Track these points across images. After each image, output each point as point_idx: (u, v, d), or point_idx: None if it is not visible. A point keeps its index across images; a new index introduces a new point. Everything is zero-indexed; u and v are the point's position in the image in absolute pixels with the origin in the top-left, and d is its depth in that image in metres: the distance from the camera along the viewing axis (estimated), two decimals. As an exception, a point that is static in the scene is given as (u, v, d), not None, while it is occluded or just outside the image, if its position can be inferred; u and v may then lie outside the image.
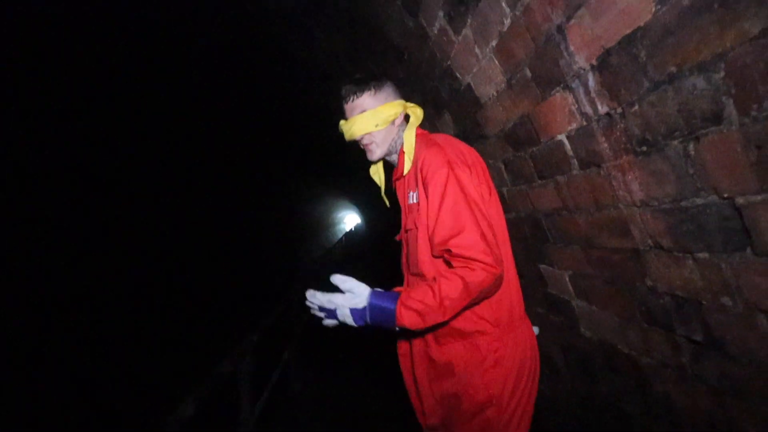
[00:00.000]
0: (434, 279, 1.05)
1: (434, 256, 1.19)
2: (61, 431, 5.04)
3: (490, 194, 1.22)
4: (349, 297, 1.08)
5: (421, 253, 1.23)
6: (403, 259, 1.41)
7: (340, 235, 21.10)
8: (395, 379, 1.49)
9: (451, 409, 1.23)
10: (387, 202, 1.54)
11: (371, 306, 1.05)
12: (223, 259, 9.95)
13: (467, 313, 1.15)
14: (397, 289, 1.15)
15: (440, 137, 1.29)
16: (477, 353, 1.17)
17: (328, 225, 21.28)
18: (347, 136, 1.36)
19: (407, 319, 1.02)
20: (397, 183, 1.44)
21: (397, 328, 1.05)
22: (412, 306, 1.02)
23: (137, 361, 6.46)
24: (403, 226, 1.39)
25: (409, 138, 1.29)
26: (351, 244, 18.26)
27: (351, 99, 1.31)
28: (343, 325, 1.11)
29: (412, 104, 1.36)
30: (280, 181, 11.91)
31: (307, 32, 3.20)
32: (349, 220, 26.06)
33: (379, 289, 1.11)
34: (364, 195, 11.51)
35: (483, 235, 1.04)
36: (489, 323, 1.17)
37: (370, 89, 1.31)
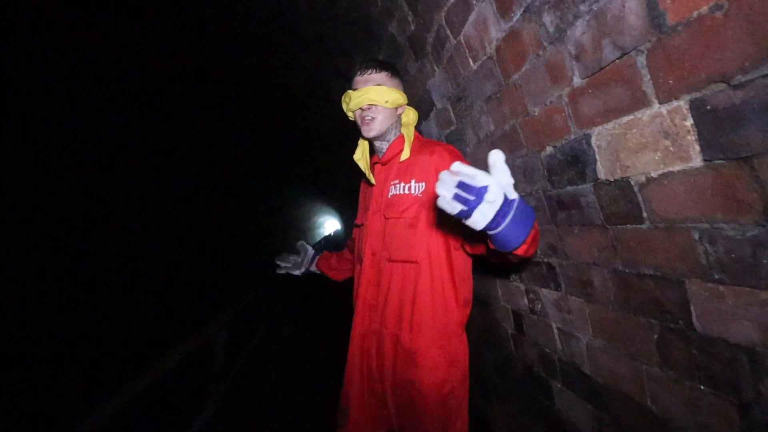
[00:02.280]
0: None
1: (433, 244, 1.26)
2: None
3: None
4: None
5: (415, 241, 1.27)
6: (375, 244, 1.38)
7: (318, 239, 21.62)
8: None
9: (411, 398, 1.26)
10: (372, 181, 1.47)
11: (520, 202, 0.84)
12: (203, 251, 10.22)
13: (457, 305, 1.29)
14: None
15: (439, 142, 1.42)
16: (445, 349, 1.26)
17: (308, 228, 21.62)
18: (354, 104, 1.35)
19: (532, 236, 0.92)
20: (380, 168, 1.46)
21: (510, 249, 0.88)
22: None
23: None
24: (376, 211, 1.40)
25: (409, 132, 1.39)
26: (329, 246, 18.69)
27: (369, 72, 1.35)
28: (466, 218, 0.79)
29: (411, 107, 1.47)
30: (263, 181, 12.12)
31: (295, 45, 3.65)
32: (329, 225, 26.47)
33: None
34: (345, 202, 11.92)
35: None
36: (461, 325, 1.32)
37: (389, 71, 1.38)
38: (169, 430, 2.54)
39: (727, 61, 0.60)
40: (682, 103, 0.69)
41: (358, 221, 1.55)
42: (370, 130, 1.36)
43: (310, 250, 1.89)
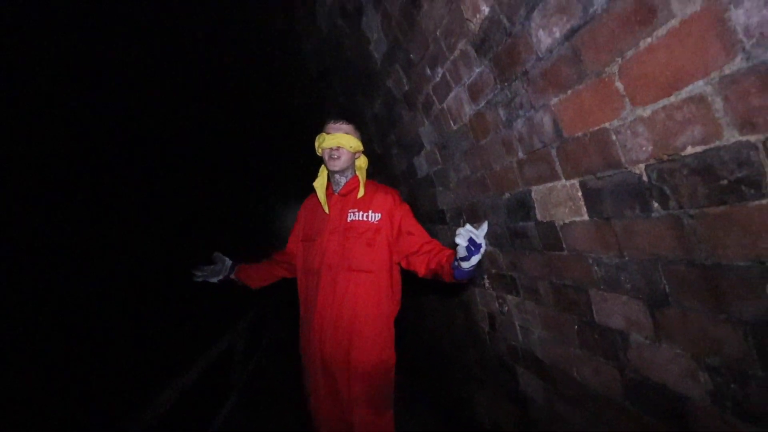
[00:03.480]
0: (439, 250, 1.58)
1: (405, 257, 1.72)
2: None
3: None
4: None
5: (374, 256, 1.70)
6: (333, 258, 1.74)
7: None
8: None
9: (360, 363, 1.66)
10: (326, 209, 1.81)
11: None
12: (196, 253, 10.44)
13: (393, 304, 1.76)
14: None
15: (386, 186, 1.88)
16: (383, 334, 1.70)
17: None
18: (326, 144, 1.73)
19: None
20: (338, 199, 1.83)
21: (470, 267, 1.29)
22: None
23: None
24: (333, 231, 1.77)
25: (362, 175, 1.83)
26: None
27: (341, 122, 1.78)
28: (466, 259, 1.23)
29: (363, 155, 1.90)
30: (260, 183, 12.34)
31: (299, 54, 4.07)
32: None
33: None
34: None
35: None
36: (392, 318, 1.77)
37: (354, 124, 1.83)
38: (202, 416, 2.90)
39: (592, 164, 1.04)
40: (576, 182, 1.13)
41: (307, 237, 1.89)
42: (335, 165, 1.76)
43: (228, 261, 2.00)
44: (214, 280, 1.98)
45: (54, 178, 6.58)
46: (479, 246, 1.20)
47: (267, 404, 3.36)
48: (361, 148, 1.83)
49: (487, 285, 2.03)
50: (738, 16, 0.62)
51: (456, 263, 1.33)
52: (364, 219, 1.74)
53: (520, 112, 1.27)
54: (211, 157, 9.11)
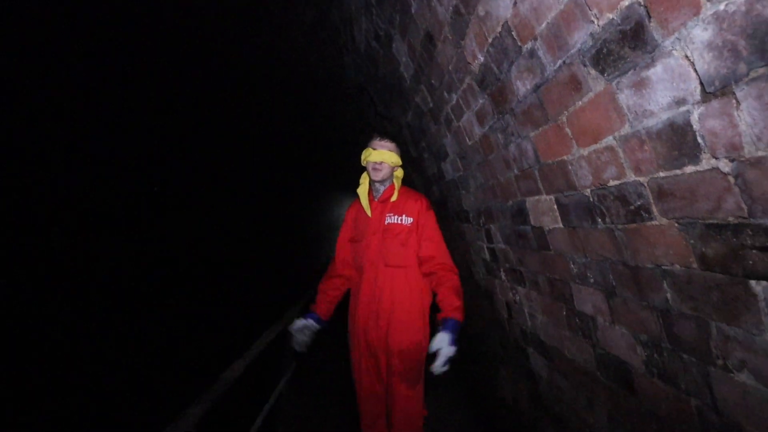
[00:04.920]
0: (441, 299, 1.97)
1: (419, 257, 2.09)
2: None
3: None
4: (446, 348, 1.78)
5: (407, 254, 2.09)
6: (374, 255, 2.11)
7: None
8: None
9: (397, 344, 2.06)
10: (369, 213, 2.18)
11: (454, 337, 1.83)
12: (245, 255, 11.20)
13: (426, 294, 2.15)
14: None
15: (418, 192, 2.23)
16: (421, 321, 2.11)
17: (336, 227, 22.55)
18: (372, 158, 2.07)
19: (462, 318, 1.92)
20: (377, 204, 2.18)
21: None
22: (462, 312, 1.93)
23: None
24: (374, 233, 2.13)
25: (398, 183, 2.19)
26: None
27: (385, 141, 2.12)
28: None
29: (400, 168, 2.24)
30: (299, 182, 12.91)
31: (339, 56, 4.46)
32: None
33: (445, 333, 1.82)
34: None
35: (450, 257, 2.13)
36: (429, 307, 2.17)
37: (396, 143, 2.17)
38: (255, 398, 3.38)
39: (560, 184, 1.33)
40: (552, 197, 1.42)
41: (354, 238, 2.26)
42: (377, 176, 2.10)
43: (310, 325, 2.22)
44: (308, 340, 2.23)
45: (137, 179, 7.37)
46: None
47: (313, 380, 3.86)
48: (400, 163, 2.16)
49: (503, 278, 2.32)
50: (622, 98, 0.90)
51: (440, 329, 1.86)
52: (399, 222, 2.10)
53: (512, 138, 1.55)
54: (271, 158, 9.75)
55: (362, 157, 2.15)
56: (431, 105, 2.42)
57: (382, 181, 2.15)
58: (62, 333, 5.77)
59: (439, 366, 1.76)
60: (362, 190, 2.24)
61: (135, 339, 6.63)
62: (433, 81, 2.16)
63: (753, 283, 0.74)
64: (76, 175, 6.08)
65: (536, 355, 2.05)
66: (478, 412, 3.18)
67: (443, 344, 1.78)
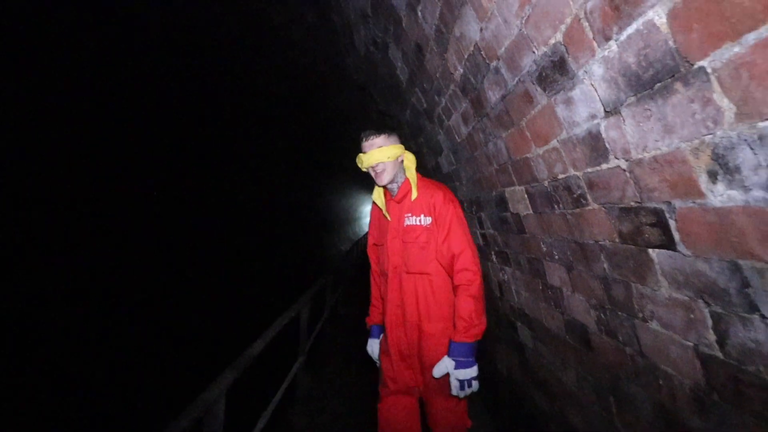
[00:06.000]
0: (455, 314, 1.72)
1: (438, 260, 1.81)
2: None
3: None
4: (455, 372, 1.66)
5: (428, 259, 1.81)
6: (396, 261, 1.89)
7: (366, 229, 22.69)
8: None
9: (429, 359, 1.82)
10: (388, 217, 1.95)
11: (467, 360, 1.67)
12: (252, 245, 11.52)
13: (448, 308, 1.84)
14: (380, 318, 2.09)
15: (436, 183, 1.92)
16: (449, 330, 1.82)
17: (353, 219, 22.77)
18: (366, 164, 1.81)
19: (473, 337, 1.68)
20: (394, 205, 1.92)
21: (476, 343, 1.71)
22: (469, 331, 1.67)
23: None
24: (395, 236, 1.90)
25: (412, 175, 1.88)
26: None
27: (371, 138, 1.81)
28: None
29: (408, 152, 1.93)
30: (305, 172, 13.07)
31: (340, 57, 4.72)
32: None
33: (448, 358, 1.69)
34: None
35: (474, 254, 1.76)
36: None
37: (385, 132, 1.83)
38: (277, 373, 3.69)
39: (527, 177, 1.58)
40: (523, 188, 1.67)
41: (377, 242, 2.09)
42: (382, 181, 1.84)
43: (376, 337, 2.17)
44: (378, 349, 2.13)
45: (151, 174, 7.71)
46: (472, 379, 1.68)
47: (325, 364, 4.17)
48: (401, 150, 1.86)
49: (494, 260, 2.57)
50: (559, 111, 1.15)
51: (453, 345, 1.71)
52: (417, 223, 1.84)
53: (490, 138, 1.80)
54: (278, 153, 10.02)
55: (359, 165, 1.90)
56: (425, 106, 2.66)
57: (392, 182, 1.88)
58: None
59: (456, 389, 1.67)
60: (377, 195, 2.03)
61: (176, 324, 7.11)
62: (425, 85, 2.40)
63: (650, 251, 0.99)
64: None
65: (523, 328, 2.31)
66: (481, 385, 3.47)
67: (447, 370, 1.69)
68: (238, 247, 10.23)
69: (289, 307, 3.75)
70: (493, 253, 2.54)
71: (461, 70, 1.74)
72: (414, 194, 1.87)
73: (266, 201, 11.46)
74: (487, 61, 1.45)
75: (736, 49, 0.60)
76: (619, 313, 1.24)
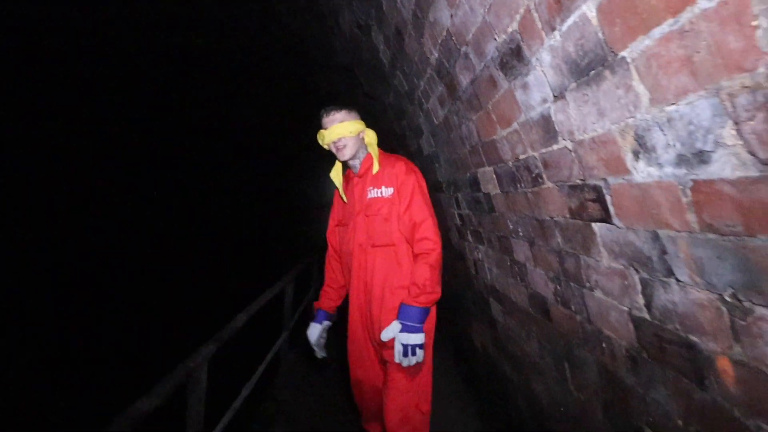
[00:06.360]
0: (411, 275, 1.73)
1: (400, 230, 1.80)
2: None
3: None
4: (400, 336, 1.64)
5: (392, 229, 1.81)
6: (361, 237, 1.88)
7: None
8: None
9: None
10: (344, 198, 1.99)
11: (414, 325, 1.65)
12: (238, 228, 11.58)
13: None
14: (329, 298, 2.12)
15: (397, 156, 1.93)
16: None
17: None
18: (327, 140, 1.82)
19: (423, 303, 1.67)
20: (357, 180, 1.92)
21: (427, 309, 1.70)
22: (419, 297, 1.67)
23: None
24: (358, 212, 1.89)
25: (374, 150, 1.91)
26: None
27: (333, 113, 1.83)
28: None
29: (369, 129, 1.96)
30: (288, 159, 13.07)
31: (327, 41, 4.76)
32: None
33: (396, 322, 1.68)
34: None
35: (435, 224, 1.78)
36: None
37: (346, 108, 1.87)
38: (261, 349, 3.80)
39: (495, 158, 1.67)
40: (492, 168, 1.77)
41: (341, 222, 2.06)
42: (344, 155, 1.86)
43: (322, 324, 2.14)
44: (324, 340, 2.16)
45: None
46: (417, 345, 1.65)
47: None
48: (362, 126, 1.89)
49: (470, 239, 2.68)
50: (518, 95, 1.23)
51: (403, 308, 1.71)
52: (380, 195, 1.83)
53: (463, 121, 1.88)
54: (261, 137, 10.00)
55: (319, 141, 1.91)
56: (406, 88, 2.73)
57: (353, 157, 1.90)
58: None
59: (399, 355, 1.65)
60: (335, 173, 2.03)
61: (163, 298, 7.21)
62: (405, 68, 2.46)
63: (593, 224, 1.09)
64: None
65: (495, 303, 2.43)
66: (459, 360, 3.63)
67: (393, 333, 1.67)
68: (228, 229, 10.28)
69: (274, 284, 3.83)
70: (468, 232, 2.65)
71: (436, 55, 1.81)
72: (375, 167, 1.87)
73: (255, 184, 11.48)
74: (458, 47, 1.52)
75: (647, 42, 0.68)
76: (571, 284, 1.35)
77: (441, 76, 1.90)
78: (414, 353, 1.64)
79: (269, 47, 5.93)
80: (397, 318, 1.70)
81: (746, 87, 0.55)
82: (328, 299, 2.17)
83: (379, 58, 2.97)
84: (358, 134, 1.88)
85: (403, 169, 1.83)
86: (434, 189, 3.27)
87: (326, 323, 2.13)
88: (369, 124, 1.98)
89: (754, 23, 0.51)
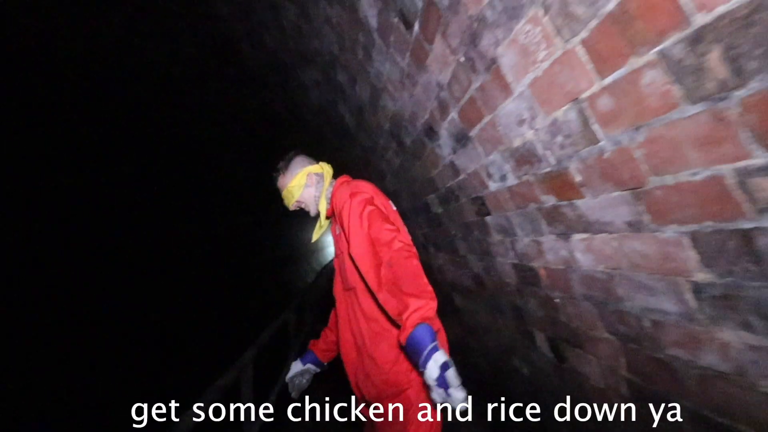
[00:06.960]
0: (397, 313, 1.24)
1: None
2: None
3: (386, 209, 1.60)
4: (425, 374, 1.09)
5: (349, 271, 1.55)
6: (338, 282, 1.70)
7: (330, 258, 22.97)
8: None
9: (380, 390, 1.52)
10: (314, 239, 1.85)
11: (424, 356, 1.11)
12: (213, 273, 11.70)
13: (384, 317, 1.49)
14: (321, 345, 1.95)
15: (351, 182, 1.66)
16: (393, 352, 1.49)
17: (318, 248, 22.94)
18: (285, 203, 1.76)
19: (410, 327, 1.14)
20: (334, 221, 1.73)
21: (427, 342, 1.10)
22: (404, 331, 1.13)
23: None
24: (337, 255, 1.71)
25: (330, 189, 1.73)
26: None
27: (277, 181, 1.76)
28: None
29: (317, 165, 1.78)
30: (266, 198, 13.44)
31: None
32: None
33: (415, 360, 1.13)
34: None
35: (374, 255, 1.36)
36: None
37: (280, 172, 1.74)
38: (269, 373, 4.43)
39: (434, 188, 2.55)
40: (434, 195, 2.64)
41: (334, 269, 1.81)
42: (313, 213, 1.75)
43: (308, 367, 1.96)
44: (306, 384, 1.94)
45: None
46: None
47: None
48: (305, 172, 1.73)
49: (431, 251, 3.53)
50: (437, 151, 2.13)
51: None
52: (339, 233, 1.63)
53: (411, 167, 2.77)
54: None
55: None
56: (370, 144, 3.63)
57: (319, 206, 1.73)
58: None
59: (436, 395, 1.12)
60: (318, 227, 1.83)
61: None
62: (367, 132, 3.37)
63: (486, 218, 1.96)
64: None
65: (456, 295, 3.25)
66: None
67: (429, 381, 1.13)
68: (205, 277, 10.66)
69: (278, 317, 4.50)
70: (430, 245, 3.50)
71: (388, 125, 2.72)
72: (323, 207, 1.71)
73: (229, 239, 11.96)
74: (401, 122, 2.43)
75: (479, 127, 1.58)
76: (486, 257, 2.21)
77: (393, 137, 2.81)
78: (446, 384, 1.09)
79: (241, 115, 6.81)
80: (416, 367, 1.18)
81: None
82: (322, 341, 1.99)
83: (346, 123, 3.89)
84: (308, 186, 1.72)
85: (341, 200, 1.53)
86: (402, 216, 4.14)
87: (310, 366, 1.95)
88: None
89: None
